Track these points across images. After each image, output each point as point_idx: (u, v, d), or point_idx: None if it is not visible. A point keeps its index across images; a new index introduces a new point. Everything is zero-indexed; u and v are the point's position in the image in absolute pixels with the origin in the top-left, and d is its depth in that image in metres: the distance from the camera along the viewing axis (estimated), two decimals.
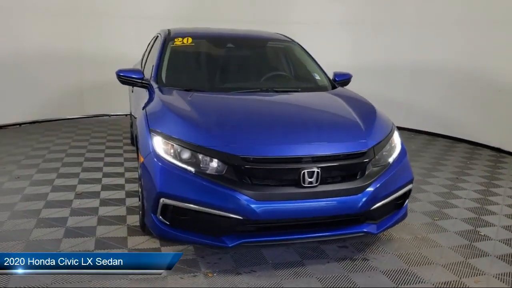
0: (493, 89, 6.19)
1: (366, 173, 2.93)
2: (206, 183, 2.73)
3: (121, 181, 4.50)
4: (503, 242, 3.42)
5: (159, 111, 3.21)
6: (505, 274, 2.96)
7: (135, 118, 4.13)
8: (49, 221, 3.50)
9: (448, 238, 3.47)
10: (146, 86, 3.83)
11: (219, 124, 3.00)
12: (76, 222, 3.50)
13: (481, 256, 3.19)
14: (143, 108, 3.42)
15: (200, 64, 4.24)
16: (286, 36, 4.71)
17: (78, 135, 6.51)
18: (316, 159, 2.82)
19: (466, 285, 2.82)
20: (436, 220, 3.81)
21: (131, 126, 5.78)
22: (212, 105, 3.35)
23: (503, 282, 2.87)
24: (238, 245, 2.76)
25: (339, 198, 2.81)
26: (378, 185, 2.91)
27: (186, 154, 2.84)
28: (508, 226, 3.72)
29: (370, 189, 2.88)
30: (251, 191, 2.70)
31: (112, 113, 8.06)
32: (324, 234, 2.90)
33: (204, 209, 2.73)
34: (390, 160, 3.09)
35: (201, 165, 2.80)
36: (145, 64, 4.81)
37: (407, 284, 2.79)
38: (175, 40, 4.23)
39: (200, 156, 2.81)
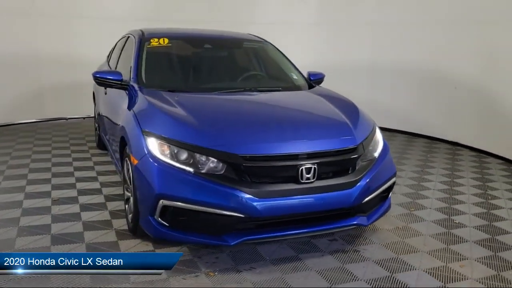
0: (449, 86, 6.55)
1: (357, 168, 3.05)
2: (206, 182, 2.75)
3: (96, 185, 4.40)
4: (477, 229, 3.66)
5: (149, 112, 3.19)
6: (486, 258, 3.18)
7: (112, 120, 4.06)
8: (32, 229, 3.37)
9: (427, 227, 3.66)
10: (126, 87, 3.77)
11: (214, 123, 3.02)
12: (61, 229, 3.39)
13: (460, 243, 3.40)
14: (129, 109, 3.37)
15: (180, 65, 4.23)
16: (258, 37, 4.77)
17: (38, 139, 6.26)
18: (312, 156, 2.90)
19: (453, 269, 3.00)
20: (412, 210, 4.01)
21: (97, 129, 5.66)
22: (201, 105, 3.35)
23: (485, 265, 3.08)
24: (240, 243, 2.80)
25: (334, 192, 2.91)
26: (368, 179, 3.04)
27: (183, 155, 2.84)
28: (478, 214, 3.98)
29: (361, 183, 3.01)
30: (252, 189, 2.74)
31: (70, 116, 7.80)
32: (319, 228, 2.99)
33: (204, 208, 2.74)
34: (376, 154, 3.24)
35: (199, 165, 2.81)
36: (116, 65, 4.71)
37: (400, 272, 2.94)
38: (151, 40, 4.18)
39: (198, 156, 2.82)
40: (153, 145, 2.91)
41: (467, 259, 3.16)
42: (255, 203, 2.73)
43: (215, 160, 2.80)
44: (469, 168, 5.44)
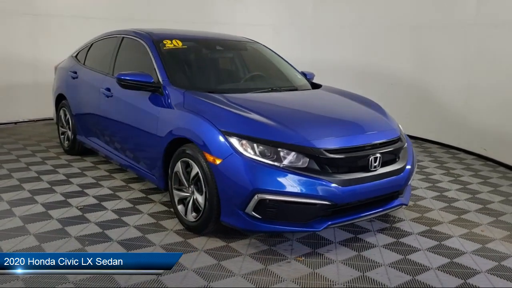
0: (386, 83, 7.42)
1: (400, 155, 3.54)
2: (295, 175, 3.00)
3: (105, 191, 4.29)
4: (470, 201, 4.40)
5: (221, 113, 3.30)
6: (494, 222, 3.89)
7: (133, 126, 4.02)
8: (91, 238, 3.27)
9: (432, 204, 4.30)
10: (157, 90, 3.79)
11: (287, 121, 3.26)
12: (120, 235, 3.35)
13: (467, 213, 4.08)
14: (189, 111, 3.43)
15: (202, 67, 4.31)
16: (250, 39, 5.03)
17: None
18: (375, 146, 3.31)
19: (477, 233, 3.64)
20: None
21: (66, 133, 5.44)
22: (259, 105, 3.55)
23: (497, 227, 3.78)
24: (326, 227, 3.10)
25: (392, 178, 3.35)
26: (410, 165, 3.55)
27: (268, 151, 3.05)
28: (462, 194, 4.76)
29: (407, 168, 3.50)
30: (335, 178, 3.06)
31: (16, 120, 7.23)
32: (380, 209, 3.40)
33: (295, 199, 2.99)
34: (405, 144, 3.76)
35: (284, 160, 3.04)
36: (113, 68, 4.59)
37: (444, 240, 3.49)
38: (164, 42, 4.21)
39: (282, 152, 3.05)
40: (238, 144, 3.07)
41: (482, 224, 3.84)
42: (339, 191, 3.05)
43: (299, 154, 3.05)
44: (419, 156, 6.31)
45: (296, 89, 4.24)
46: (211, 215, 3.22)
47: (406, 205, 3.65)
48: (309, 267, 3.00)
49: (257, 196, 2.96)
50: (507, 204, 4.35)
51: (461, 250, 3.32)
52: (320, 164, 3.08)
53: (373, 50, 7.56)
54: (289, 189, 2.98)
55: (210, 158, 3.16)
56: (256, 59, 4.67)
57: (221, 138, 3.12)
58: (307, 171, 3.03)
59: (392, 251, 3.28)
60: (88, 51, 5.33)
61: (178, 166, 3.48)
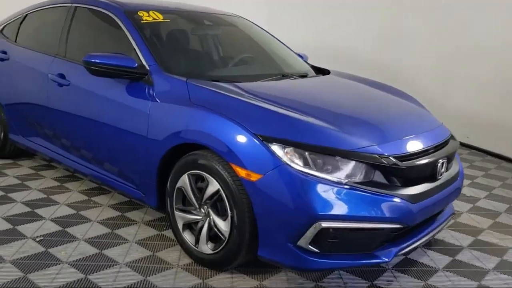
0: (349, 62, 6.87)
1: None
2: (361, 192, 2.27)
3: (64, 210, 3.27)
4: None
5: (251, 111, 2.46)
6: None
7: (111, 124, 3.05)
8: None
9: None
10: (140, 77, 2.86)
11: (338, 120, 2.51)
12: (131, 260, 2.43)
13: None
14: (186, 106, 2.55)
15: (195, 47, 3.38)
16: (231, 13, 4.15)
17: None
18: (438, 148, 2.67)
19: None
20: None
21: None
22: (287, 97, 2.74)
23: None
24: (394, 256, 2.42)
25: (453, 184, 2.76)
26: (461, 167, 2.98)
27: (323, 162, 2.29)
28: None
29: (461, 170, 2.93)
30: (406, 193, 2.38)
31: None
32: (437, 225, 2.79)
33: (364, 225, 2.28)
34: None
35: (344, 172, 2.30)
36: (65, 48, 3.51)
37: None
38: (140, 14, 3.24)
39: (340, 163, 2.30)
40: (282, 153, 2.27)
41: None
42: (412, 209, 2.38)
43: (361, 164, 2.33)
44: None
45: (305, 75, 3.47)
46: (240, 248, 2.41)
47: (454, 213, 3.09)
48: None
49: (318, 224, 2.20)
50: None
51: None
52: (388, 175, 2.37)
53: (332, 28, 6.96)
54: (357, 212, 2.25)
55: (241, 172, 2.32)
56: (249, 38, 3.81)
57: (258, 145, 2.30)
58: (374, 186, 2.32)
59: (457, 274, 2.69)
60: (20, 24, 4.12)
61: (184, 181, 2.61)
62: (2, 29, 4.31)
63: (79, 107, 3.26)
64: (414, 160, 2.46)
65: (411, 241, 2.53)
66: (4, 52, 4.02)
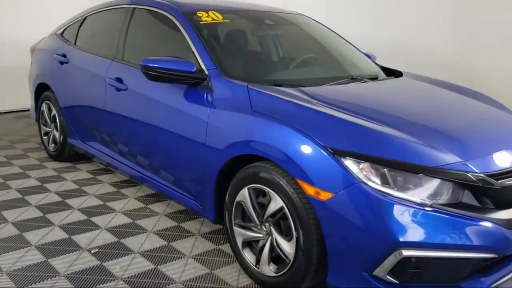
0: (421, 64, 6.43)
1: None
2: (448, 216, 1.96)
3: (121, 219, 3.15)
4: None
5: (317, 119, 2.21)
6: None
7: (172, 131, 2.89)
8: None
9: None
10: (199, 82, 2.68)
11: (420, 131, 2.21)
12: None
13: None
14: (262, 115, 2.32)
15: (256, 49, 3.18)
16: (293, 11, 3.90)
17: None
18: None
19: None
20: None
21: (52, 134, 4.25)
22: (359, 104, 2.47)
23: None
24: None
25: None
26: None
27: (404, 181, 1.99)
28: None
29: None
30: (501, 217, 2.04)
31: None
32: None
33: (451, 253, 1.96)
34: None
35: (429, 193, 2.00)
36: (122, 51, 3.40)
37: None
38: (199, 15, 3.06)
39: (424, 181, 2.00)
40: (357, 169, 2.00)
41: None
42: (507, 236, 2.04)
43: (447, 183, 2.01)
44: None
45: (376, 78, 3.16)
46: (306, 273, 2.17)
47: None
48: None
49: (399, 252, 1.91)
50: None
51: None
52: (479, 197, 2.05)
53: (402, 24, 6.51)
54: (443, 239, 1.94)
55: (309, 189, 2.08)
56: (312, 38, 3.54)
57: (329, 160, 2.04)
58: (463, 209, 2.00)
59: None
60: (79, 27, 4.08)
61: (244, 195, 2.40)
62: (63, 32, 4.29)
63: (136, 112, 3.14)
64: (510, 178, 2.11)
65: (505, 273, 2.19)
66: (64, 55, 3.99)
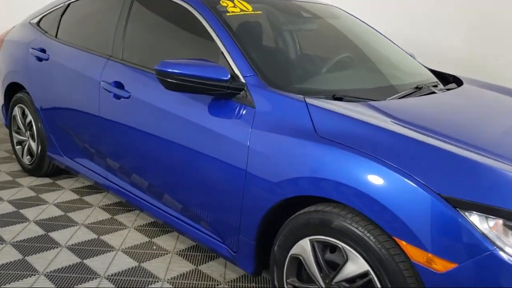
0: (434, 61, 5.95)
1: None
2: None
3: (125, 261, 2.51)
4: None
5: (419, 151, 1.62)
6: None
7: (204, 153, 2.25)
8: None
9: None
10: (233, 93, 2.05)
11: None
12: None
13: None
14: (334, 143, 1.71)
15: (300, 49, 2.54)
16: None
17: None
18: None
19: None
20: None
21: (26, 146, 3.53)
22: (451, 126, 1.90)
23: None
24: None
25: None
26: None
27: None
28: None
29: None
30: None
31: None
32: None
33: None
34: None
35: None
36: (121, 49, 2.72)
37: None
38: (223, 4, 2.41)
39: None
40: (487, 229, 1.42)
41: None
42: None
43: None
44: None
45: (436, 85, 2.59)
46: None
47: None
48: None
49: None
50: None
51: None
52: None
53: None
54: None
55: (418, 255, 1.49)
56: (353, 35, 2.94)
57: (448, 215, 1.46)
58: None
59: None
60: (62, 16, 3.35)
61: (304, 248, 1.80)
62: (39, 20, 3.55)
63: (141, 127, 2.47)
64: None
65: None
66: (43, 51, 3.26)
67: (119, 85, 2.57)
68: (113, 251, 2.56)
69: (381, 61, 2.77)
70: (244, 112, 2.01)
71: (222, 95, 2.07)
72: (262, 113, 1.96)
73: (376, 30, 3.07)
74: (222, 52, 2.18)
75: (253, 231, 1.99)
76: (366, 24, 3.08)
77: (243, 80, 2.07)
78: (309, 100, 1.91)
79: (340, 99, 2.02)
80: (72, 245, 2.63)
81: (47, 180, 3.56)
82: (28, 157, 3.60)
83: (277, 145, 1.87)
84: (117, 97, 2.58)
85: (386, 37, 3.08)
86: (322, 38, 2.78)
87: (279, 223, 1.92)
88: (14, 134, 3.74)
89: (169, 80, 2.02)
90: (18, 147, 3.72)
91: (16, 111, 3.64)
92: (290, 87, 2.05)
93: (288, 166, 1.81)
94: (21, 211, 3.02)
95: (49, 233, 2.75)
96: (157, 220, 2.72)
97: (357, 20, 3.04)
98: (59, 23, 3.32)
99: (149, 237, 2.74)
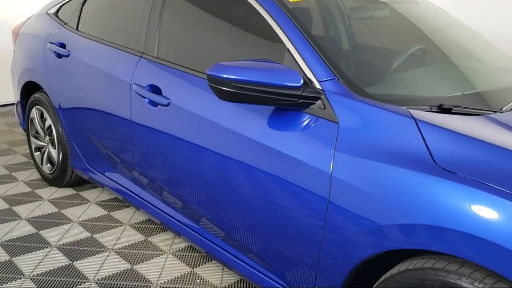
0: None
1: None
2: None
3: None
4: None
5: None
6: None
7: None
8: None
9: None
10: (305, 102, 1.58)
11: None
12: None
13: None
14: (456, 177, 1.25)
15: (385, 44, 2.06)
16: None
17: None
18: None
19: None
20: None
21: (48, 154, 3.16)
22: None
23: None
24: None
25: None
26: None
27: None
28: None
29: None
30: None
31: None
32: None
33: None
34: None
35: None
36: (157, 43, 2.27)
37: None
38: None
39: None
40: None
41: None
42: None
43: None
44: None
45: None
46: None
47: None
48: None
49: None
50: None
51: None
52: None
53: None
54: None
55: None
56: (437, 24, 2.43)
57: None
58: None
59: None
60: (82, 5, 2.91)
61: None
62: (58, 10, 3.12)
63: (185, 139, 2.02)
64: None
65: None
66: (63, 46, 2.83)
67: (155, 89, 2.13)
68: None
69: (478, 55, 2.26)
70: (322, 129, 1.55)
71: (293, 106, 1.60)
72: (349, 130, 1.50)
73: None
74: (288, 50, 1.72)
75: (339, 282, 1.54)
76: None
77: (319, 86, 1.60)
78: (417, 114, 1.43)
79: (449, 110, 1.54)
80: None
81: (70, 191, 3.16)
82: (49, 165, 3.21)
83: (373, 177, 1.40)
84: (154, 104, 2.13)
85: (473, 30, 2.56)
86: (407, 28, 2.26)
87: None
88: (32, 139, 3.34)
89: (224, 88, 1.56)
90: (37, 153, 3.33)
91: (34, 113, 3.23)
92: (383, 95, 1.57)
93: (392, 209, 1.35)
94: (41, 232, 2.62)
95: (74, 262, 2.33)
96: (199, 248, 2.28)
97: (439, 8, 2.52)
98: (80, 14, 2.88)
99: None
